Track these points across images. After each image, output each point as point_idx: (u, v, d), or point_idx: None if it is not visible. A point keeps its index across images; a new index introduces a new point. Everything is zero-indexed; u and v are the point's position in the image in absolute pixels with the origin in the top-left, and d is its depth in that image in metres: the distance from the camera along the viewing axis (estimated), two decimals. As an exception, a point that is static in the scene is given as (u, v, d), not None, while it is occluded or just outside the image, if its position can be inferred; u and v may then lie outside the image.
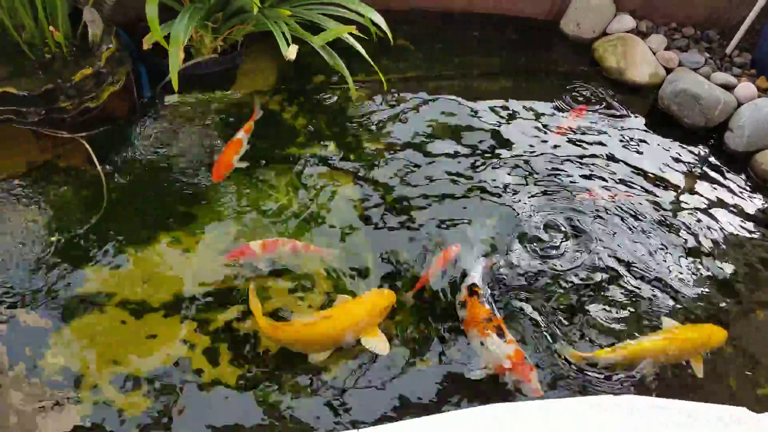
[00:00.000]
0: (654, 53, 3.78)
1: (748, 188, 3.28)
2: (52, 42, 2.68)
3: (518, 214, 2.84)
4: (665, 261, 2.76)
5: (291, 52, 2.70)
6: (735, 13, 3.91)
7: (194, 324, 2.35)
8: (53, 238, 2.50)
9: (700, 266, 2.78)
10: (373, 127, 3.18)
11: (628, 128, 3.46)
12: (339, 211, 2.80)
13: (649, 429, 1.66)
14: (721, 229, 2.99)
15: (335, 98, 3.30)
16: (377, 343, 2.24)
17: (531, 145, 3.22)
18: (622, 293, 2.61)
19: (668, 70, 3.72)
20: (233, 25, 3.12)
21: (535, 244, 2.73)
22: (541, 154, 3.19)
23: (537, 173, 3.07)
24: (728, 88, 3.58)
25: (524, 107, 3.42)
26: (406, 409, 2.19)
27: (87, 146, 2.73)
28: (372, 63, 3.02)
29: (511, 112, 3.39)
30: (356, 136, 3.14)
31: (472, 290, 2.44)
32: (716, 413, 1.71)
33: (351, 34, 3.01)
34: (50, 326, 2.25)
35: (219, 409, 2.13)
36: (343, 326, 2.25)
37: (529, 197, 2.93)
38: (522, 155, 3.15)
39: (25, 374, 2.14)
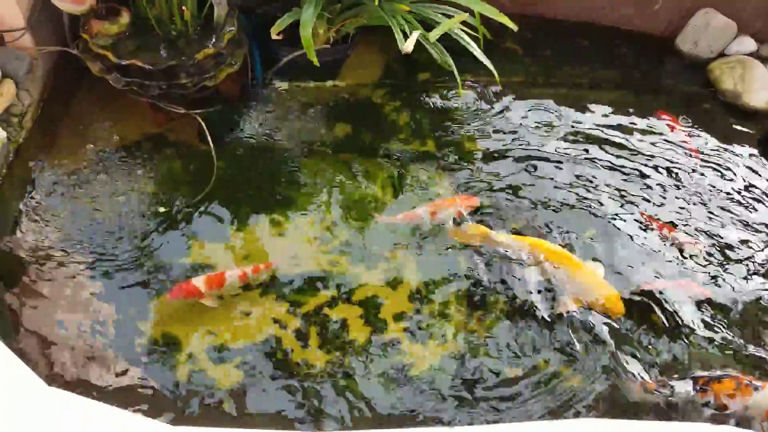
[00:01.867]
0: (775, 78, 3.46)
1: None
2: (179, 20, 2.71)
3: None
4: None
5: (409, 44, 2.61)
6: None
7: (287, 305, 2.31)
8: (161, 209, 2.53)
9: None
10: (476, 130, 3.05)
11: (740, 154, 3.17)
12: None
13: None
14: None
15: (439, 97, 3.19)
16: None
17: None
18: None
19: (789, 98, 3.40)
20: (347, 18, 3.07)
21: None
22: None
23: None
24: None
25: (630, 122, 3.19)
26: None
27: (201, 122, 2.75)
28: (487, 62, 2.91)
29: (617, 124, 3.18)
30: (457, 137, 3.02)
31: None
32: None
33: (464, 31, 2.91)
34: (151, 296, 2.27)
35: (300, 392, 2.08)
36: None
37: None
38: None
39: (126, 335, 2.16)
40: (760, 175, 3.05)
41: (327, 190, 2.72)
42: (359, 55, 3.33)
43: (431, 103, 3.18)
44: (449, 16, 2.94)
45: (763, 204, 2.93)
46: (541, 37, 3.58)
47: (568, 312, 2.34)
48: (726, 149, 3.16)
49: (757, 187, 2.99)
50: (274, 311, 2.28)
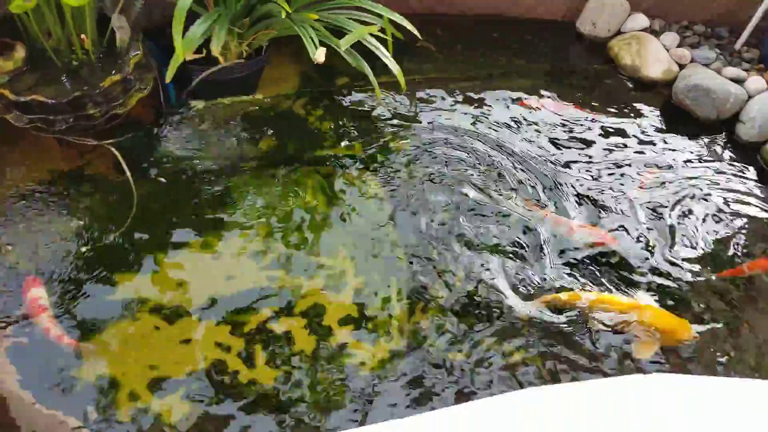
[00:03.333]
0: (667, 50, 3.63)
1: (757, 176, 3.14)
2: (79, 49, 2.54)
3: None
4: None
5: (320, 54, 2.55)
6: (744, 11, 3.76)
7: (228, 327, 2.20)
8: (83, 248, 2.35)
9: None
10: (398, 128, 3.03)
11: (646, 124, 3.31)
12: (366, 210, 2.65)
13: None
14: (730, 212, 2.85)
15: (360, 100, 3.15)
16: None
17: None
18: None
19: (681, 67, 3.59)
20: (258, 30, 2.98)
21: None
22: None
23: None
24: (738, 82, 3.46)
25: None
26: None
27: (116, 153, 2.59)
28: (394, 66, 2.88)
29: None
30: (382, 138, 2.99)
31: None
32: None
33: (374, 35, 2.87)
34: (82, 336, 2.10)
35: (254, 411, 1.98)
36: None
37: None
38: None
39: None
40: (654, 144, 3.19)
41: (257, 206, 2.62)
42: (277, 67, 3.25)
43: (353, 107, 3.14)
44: (363, 22, 2.90)
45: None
46: (454, 34, 3.61)
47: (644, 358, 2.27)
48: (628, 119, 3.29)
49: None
50: (215, 335, 2.17)
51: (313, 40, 2.70)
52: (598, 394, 1.51)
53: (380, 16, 2.90)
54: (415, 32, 2.92)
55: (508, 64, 3.50)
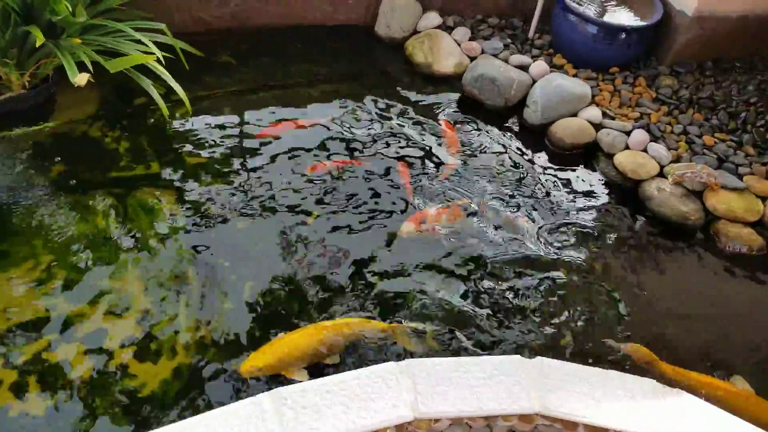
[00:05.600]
0: (459, 45, 3.82)
1: (547, 156, 3.36)
2: None
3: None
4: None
5: (80, 78, 2.52)
6: (530, 2, 4.00)
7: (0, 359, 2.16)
8: None
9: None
10: (196, 143, 3.05)
11: (444, 114, 3.47)
12: (160, 229, 2.66)
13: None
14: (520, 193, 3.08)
15: (157, 119, 3.13)
16: None
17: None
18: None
19: (472, 59, 3.77)
20: (40, 59, 2.89)
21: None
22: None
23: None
24: (524, 68, 3.68)
25: (340, 106, 3.38)
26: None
27: None
28: (177, 87, 2.91)
29: (332, 112, 3.34)
30: (179, 154, 2.99)
31: None
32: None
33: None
34: None
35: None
36: None
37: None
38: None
39: None
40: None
41: (44, 234, 2.57)
42: (74, 92, 3.16)
43: (151, 126, 3.12)
44: (137, 41, 2.88)
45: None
46: (255, 46, 3.65)
47: None
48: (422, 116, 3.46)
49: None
50: (-14, 369, 2.13)
51: (85, 65, 2.67)
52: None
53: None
54: (192, 50, 2.96)
55: (309, 71, 3.57)
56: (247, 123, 3.21)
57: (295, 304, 2.43)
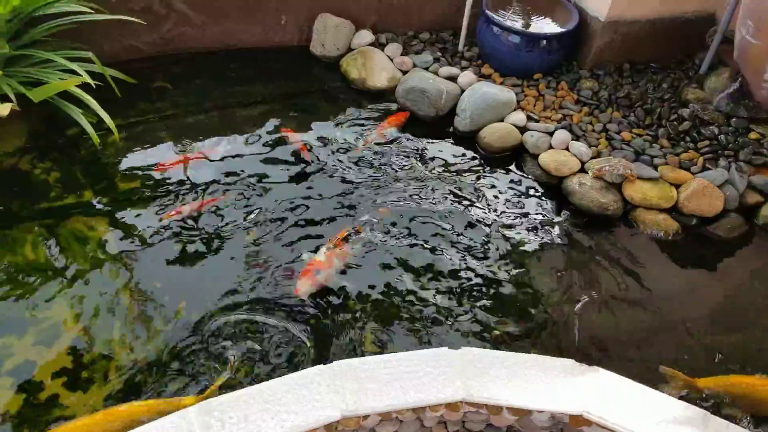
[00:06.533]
0: (392, 60, 3.92)
1: (477, 160, 3.45)
2: None
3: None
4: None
5: (2, 109, 2.47)
6: (457, 17, 4.14)
7: None
8: None
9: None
10: (128, 169, 3.01)
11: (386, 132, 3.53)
12: (93, 257, 2.61)
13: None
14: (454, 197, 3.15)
15: (88, 147, 3.08)
16: None
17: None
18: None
19: (404, 73, 3.87)
20: (-39, 94, 2.82)
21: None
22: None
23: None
24: (453, 79, 3.80)
25: (275, 126, 3.40)
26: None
27: None
28: (104, 114, 2.89)
29: (268, 132, 3.36)
30: (112, 180, 2.95)
31: None
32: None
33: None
34: None
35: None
36: None
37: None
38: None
39: None
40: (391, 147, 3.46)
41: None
42: (1, 126, 3.08)
43: (84, 156, 3.07)
44: (66, 71, 2.85)
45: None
46: (191, 70, 3.65)
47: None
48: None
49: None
50: None
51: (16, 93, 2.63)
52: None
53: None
54: (121, 76, 2.96)
55: (246, 92, 3.59)
56: (183, 145, 3.20)
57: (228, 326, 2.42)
